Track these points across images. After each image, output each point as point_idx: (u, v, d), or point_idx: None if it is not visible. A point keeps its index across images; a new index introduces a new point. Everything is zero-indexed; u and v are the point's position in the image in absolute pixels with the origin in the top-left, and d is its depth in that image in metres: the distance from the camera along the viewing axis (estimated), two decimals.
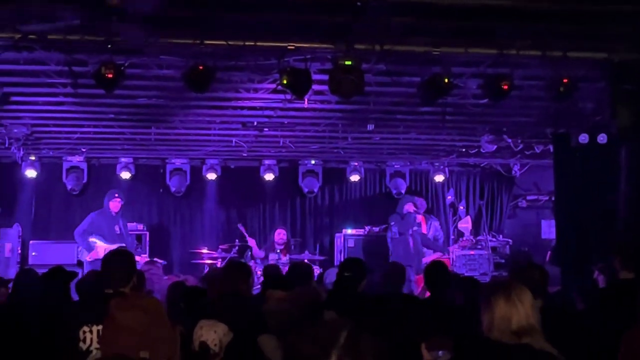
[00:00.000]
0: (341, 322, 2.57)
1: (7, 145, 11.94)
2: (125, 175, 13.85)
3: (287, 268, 11.06)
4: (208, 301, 6.12)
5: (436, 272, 6.80)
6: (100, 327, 4.62)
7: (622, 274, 6.20)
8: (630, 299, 5.62)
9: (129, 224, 13.16)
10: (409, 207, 12.97)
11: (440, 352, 4.49)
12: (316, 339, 2.48)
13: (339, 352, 2.45)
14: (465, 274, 11.90)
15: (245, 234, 13.34)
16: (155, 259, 11.61)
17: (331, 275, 10.00)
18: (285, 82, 8.21)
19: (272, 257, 12.56)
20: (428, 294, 6.86)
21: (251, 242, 13.28)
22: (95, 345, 4.65)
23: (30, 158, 13.26)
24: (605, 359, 4.97)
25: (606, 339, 5.26)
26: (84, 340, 4.69)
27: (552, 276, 6.17)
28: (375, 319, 5.28)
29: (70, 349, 4.70)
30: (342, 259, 13.39)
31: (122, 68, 7.96)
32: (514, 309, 3.75)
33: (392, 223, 12.94)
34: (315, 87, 8.61)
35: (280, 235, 13.04)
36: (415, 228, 12.93)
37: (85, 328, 4.70)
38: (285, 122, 11.36)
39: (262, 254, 13.01)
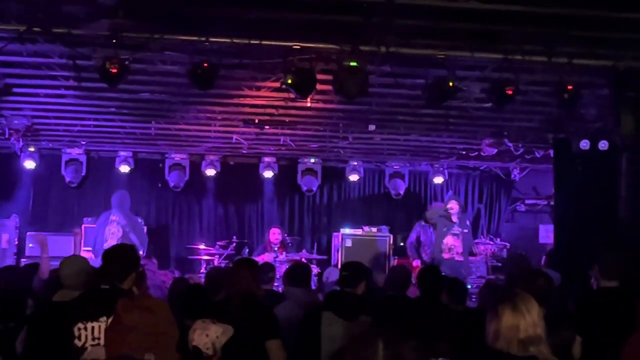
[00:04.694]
0: (372, 332, 2.49)
1: (6, 136, 11.90)
2: (124, 168, 13.83)
3: (284, 266, 11.08)
4: (215, 301, 6.04)
5: (429, 276, 6.79)
6: (94, 324, 4.61)
7: (602, 283, 6.26)
8: (613, 307, 5.71)
9: None
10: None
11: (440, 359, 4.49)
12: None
13: None
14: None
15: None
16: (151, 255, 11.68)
17: (333, 275, 10.01)
18: (289, 81, 8.20)
19: (270, 255, 12.49)
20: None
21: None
22: (90, 342, 4.61)
23: (29, 149, 13.24)
24: None
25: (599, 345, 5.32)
26: (79, 337, 4.64)
27: None
28: (378, 322, 5.26)
29: (65, 346, 4.66)
30: (340, 259, 13.39)
31: (126, 63, 7.93)
32: (522, 319, 3.75)
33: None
34: (318, 86, 8.57)
35: (275, 234, 12.90)
36: None
37: (80, 325, 4.65)
38: (287, 120, 11.33)
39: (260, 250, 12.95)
